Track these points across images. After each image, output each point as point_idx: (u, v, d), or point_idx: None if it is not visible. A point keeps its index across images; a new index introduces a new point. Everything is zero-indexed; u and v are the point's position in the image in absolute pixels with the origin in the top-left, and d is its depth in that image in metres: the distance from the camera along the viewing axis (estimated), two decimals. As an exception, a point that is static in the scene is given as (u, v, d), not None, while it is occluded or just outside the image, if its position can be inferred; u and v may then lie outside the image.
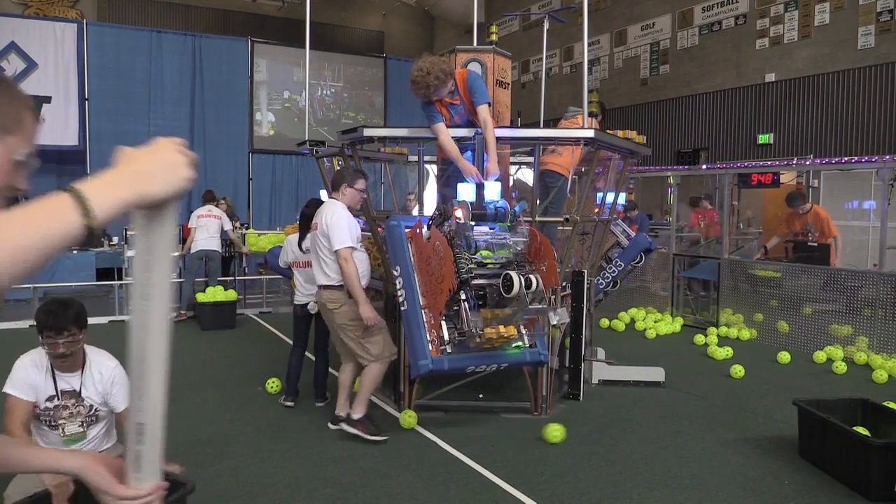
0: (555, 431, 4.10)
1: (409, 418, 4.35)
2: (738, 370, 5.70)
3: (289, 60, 13.58)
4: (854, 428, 3.60)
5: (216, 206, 8.56)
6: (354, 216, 4.30)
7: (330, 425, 4.28)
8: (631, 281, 8.22)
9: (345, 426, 4.12)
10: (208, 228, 8.14)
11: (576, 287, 4.84)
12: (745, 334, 7.21)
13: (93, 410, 2.74)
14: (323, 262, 4.14)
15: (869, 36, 9.94)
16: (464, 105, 4.57)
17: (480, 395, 4.86)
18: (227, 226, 8.43)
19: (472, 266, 3.74)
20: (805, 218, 7.44)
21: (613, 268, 6.23)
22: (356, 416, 4.10)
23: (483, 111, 4.35)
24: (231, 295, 7.92)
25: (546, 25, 7.08)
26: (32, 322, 7.80)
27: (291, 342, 5.18)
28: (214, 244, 8.20)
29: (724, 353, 6.35)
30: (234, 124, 13.10)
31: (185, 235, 8.66)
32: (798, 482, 3.57)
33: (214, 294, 7.77)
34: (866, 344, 6.25)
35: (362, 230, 5.73)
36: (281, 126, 13.67)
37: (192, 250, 8.09)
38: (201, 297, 7.72)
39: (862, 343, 6.28)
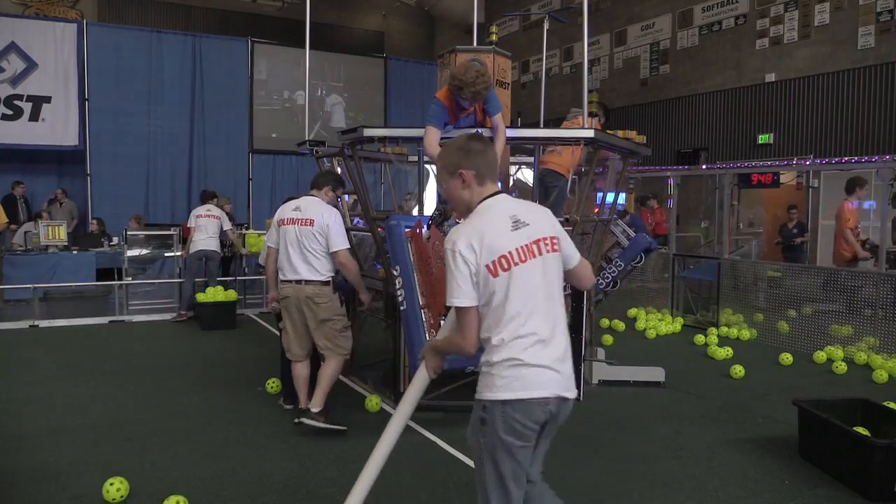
0: None
1: (373, 402, 4.74)
2: (738, 370, 5.69)
3: (289, 60, 13.58)
4: (854, 428, 3.59)
5: (216, 205, 8.54)
6: (353, 216, 4.35)
7: (306, 420, 4.20)
8: (631, 280, 8.21)
9: (308, 421, 4.17)
10: (206, 229, 8.10)
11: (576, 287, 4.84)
12: (745, 334, 7.21)
13: None
14: (313, 256, 4.23)
15: (869, 36, 9.94)
16: (474, 115, 4.52)
17: (480, 395, 4.85)
18: (227, 226, 8.40)
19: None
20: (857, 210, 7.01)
21: (613, 268, 6.22)
22: (316, 409, 4.20)
23: (497, 119, 4.39)
24: (231, 295, 7.92)
25: (546, 25, 7.07)
26: (32, 322, 7.83)
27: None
28: (213, 244, 8.15)
29: (724, 353, 6.35)
30: (234, 124, 13.10)
31: (185, 235, 8.65)
32: (798, 482, 3.57)
33: (214, 294, 7.77)
34: (870, 344, 6.24)
35: (361, 230, 5.74)
36: (280, 126, 13.68)
37: (191, 250, 8.08)
38: (201, 297, 7.71)
39: (865, 343, 6.27)
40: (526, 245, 2.07)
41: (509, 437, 2.02)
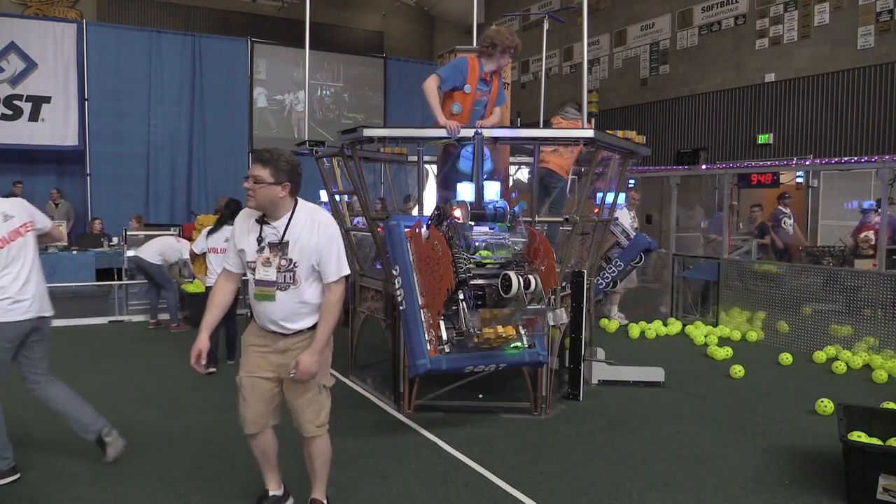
0: None
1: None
2: (738, 370, 5.69)
3: (288, 60, 13.58)
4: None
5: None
6: (353, 216, 4.31)
7: None
8: (631, 280, 8.19)
9: None
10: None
11: (575, 287, 4.84)
12: (746, 334, 7.20)
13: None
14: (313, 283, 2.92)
15: (868, 36, 9.94)
16: (487, 97, 4.76)
17: (480, 396, 4.86)
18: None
19: (471, 266, 3.73)
20: None
21: (613, 268, 6.22)
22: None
23: (499, 111, 4.85)
24: (230, 295, 7.80)
25: (546, 25, 7.08)
26: (32, 322, 7.71)
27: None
28: (146, 254, 7.51)
29: (724, 353, 6.35)
30: (233, 124, 13.09)
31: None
32: (798, 482, 3.57)
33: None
34: (870, 344, 6.23)
35: (361, 230, 5.73)
36: (279, 126, 13.68)
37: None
38: (190, 288, 7.09)
39: (866, 343, 6.27)
40: (14, 229, 3.49)
41: (3, 342, 3.43)
